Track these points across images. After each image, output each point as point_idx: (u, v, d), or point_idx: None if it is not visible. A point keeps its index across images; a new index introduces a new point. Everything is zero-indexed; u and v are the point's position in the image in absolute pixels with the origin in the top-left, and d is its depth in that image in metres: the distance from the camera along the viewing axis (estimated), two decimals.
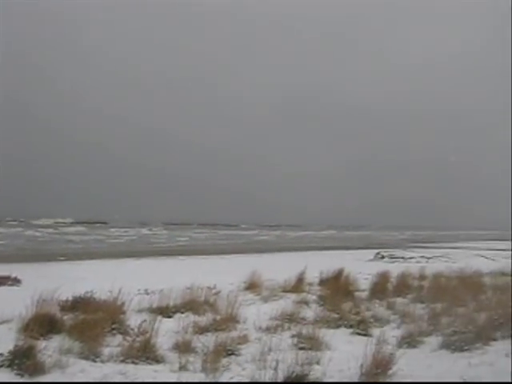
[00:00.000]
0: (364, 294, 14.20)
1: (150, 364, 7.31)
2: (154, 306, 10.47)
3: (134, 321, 9.05)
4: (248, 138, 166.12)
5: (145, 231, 72.56)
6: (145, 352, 7.48)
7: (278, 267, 18.88)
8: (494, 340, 8.44)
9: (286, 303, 11.97)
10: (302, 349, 7.95)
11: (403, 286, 15.40)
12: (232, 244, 51.66)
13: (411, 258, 33.94)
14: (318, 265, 17.13)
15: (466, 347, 8.02)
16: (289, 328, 9.52)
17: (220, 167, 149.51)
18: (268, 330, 9.47)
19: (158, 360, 7.46)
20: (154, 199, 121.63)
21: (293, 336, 8.81)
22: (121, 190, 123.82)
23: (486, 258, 37.91)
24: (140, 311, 10.19)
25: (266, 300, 12.83)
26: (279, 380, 6.08)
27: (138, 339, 7.86)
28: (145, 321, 8.53)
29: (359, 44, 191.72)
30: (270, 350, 7.74)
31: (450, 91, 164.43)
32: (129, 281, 12.02)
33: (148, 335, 7.89)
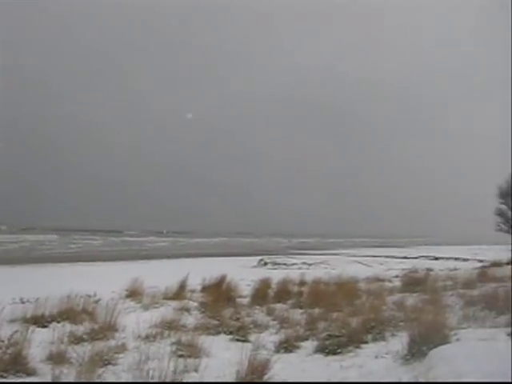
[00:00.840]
0: (245, 301, 14.36)
1: (20, 377, 6.95)
2: (29, 315, 10.00)
3: (4, 332, 8.54)
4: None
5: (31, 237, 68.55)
6: (15, 364, 7.11)
7: (163, 274, 18.70)
8: (366, 343, 8.84)
9: (167, 310, 11.87)
10: (180, 356, 7.87)
11: (284, 292, 15.73)
12: (120, 251, 50.53)
13: (293, 264, 34.79)
14: (202, 271, 17.14)
15: (338, 350, 8.33)
16: (168, 336, 9.43)
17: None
18: (147, 338, 9.33)
19: (29, 372, 7.12)
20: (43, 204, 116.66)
21: (172, 344, 8.72)
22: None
23: (363, 264, 39.67)
24: (12, 321, 9.67)
25: (146, 308, 12.62)
26: None
27: (8, 351, 7.43)
28: (17, 331, 8.08)
29: None
30: (148, 358, 7.61)
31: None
32: (2, 289, 11.40)
33: (19, 346, 7.49)
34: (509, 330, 8.57)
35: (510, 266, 40.26)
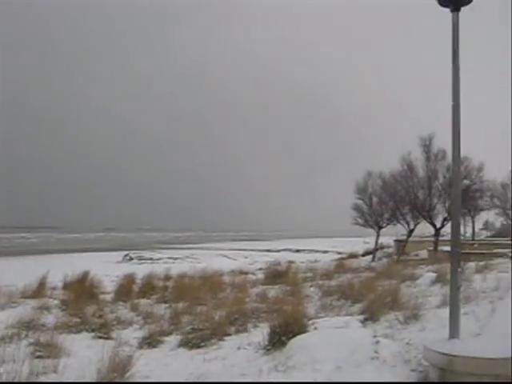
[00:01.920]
0: (109, 297, 14.09)
1: None
2: None
3: None
4: None
5: None
6: None
7: (23, 271, 17.82)
8: (229, 335, 9.01)
9: (25, 310, 11.32)
10: (39, 357, 7.54)
11: (148, 287, 15.63)
12: None
13: (159, 259, 34.66)
14: (65, 268, 16.56)
15: (202, 344, 8.42)
16: (26, 336, 8.98)
17: None
18: (2, 339, 8.82)
19: None
20: None
21: (30, 344, 8.31)
22: None
23: (229, 257, 40.32)
24: None
25: (2, 307, 11.95)
26: None
27: None
28: None
29: None
30: (3, 361, 7.21)
31: None
32: None
33: None
34: (361, 317, 9.17)
35: (365, 258, 42.85)
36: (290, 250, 60.79)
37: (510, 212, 46.12)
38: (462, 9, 5.81)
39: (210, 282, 15.67)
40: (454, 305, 5.60)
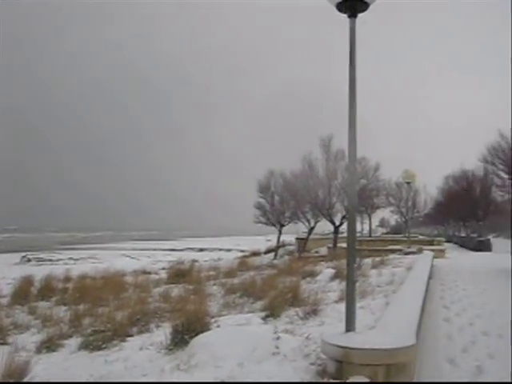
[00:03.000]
0: (5, 300, 13.52)
1: None
2: None
3: None
4: None
5: None
6: None
7: None
8: (131, 336, 8.91)
9: None
10: None
11: (47, 289, 15.12)
12: None
13: (59, 260, 33.56)
14: None
15: (103, 346, 8.27)
16: None
17: None
18: None
19: None
20: None
21: None
22: None
23: (132, 257, 39.68)
24: None
25: None
26: None
27: None
28: None
29: None
30: None
31: None
32: None
33: None
34: (263, 314, 9.35)
35: (267, 255, 43.50)
36: (193, 248, 60.72)
37: (403, 210, 48.34)
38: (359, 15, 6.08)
39: (112, 283, 15.38)
40: (349, 299, 5.85)
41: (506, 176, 25.97)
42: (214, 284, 15.72)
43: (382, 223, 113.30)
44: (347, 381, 4.92)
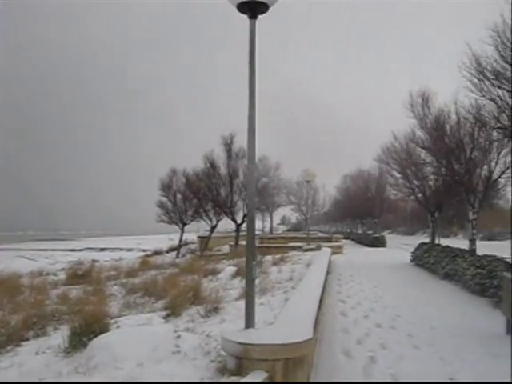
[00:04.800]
0: None
1: None
2: None
3: None
4: None
5: None
6: None
7: None
8: (27, 340, 8.58)
9: None
10: None
11: None
12: None
13: None
14: None
15: None
16: None
17: None
18: None
19: None
20: None
21: None
22: None
23: (29, 259, 38.14)
24: None
25: None
26: None
27: None
28: None
29: None
30: None
31: None
32: None
33: None
34: (164, 313, 9.32)
35: (169, 254, 43.15)
36: (94, 248, 59.16)
37: (304, 208, 49.53)
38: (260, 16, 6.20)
39: (7, 286, 14.70)
40: (249, 296, 5.97)
41: (398, 175, 27.28)
42: (115, 284, 15.42)
43: (284, 221, 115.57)
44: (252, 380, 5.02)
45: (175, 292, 11.04)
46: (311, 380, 6.39)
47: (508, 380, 6.31)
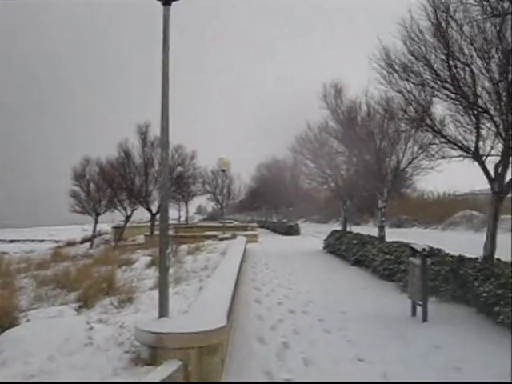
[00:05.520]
0: None
1: None
2: None
3: None
4: None
5: None
6: None
7: None
8: None
9: None
10: None
11: None
12: None
13: None
14: None
15: None
16: None
17: None
18: None
19: None
20: None
21: None
22: None
23: None
24: None
25: None
26: None
27: None
28: None
29: None
30: None
31: None
32: None
33: None
34: (76, 305, 9.14)
35: (83, 245, 42.22)
36: (3, 240, 56.85)
37: (219, 197, 49.63)
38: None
39: None
40: (162, 286, 5.98)
41: (312, 165, 27.83)
42: (25, 277, 14.90)
43: (200, 210, 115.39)
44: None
45: (88, 283, 10.84)
46: (225, 367, 6.48)
47: (508, 380, 6.17)
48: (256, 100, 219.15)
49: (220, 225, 36.32)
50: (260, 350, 7.60)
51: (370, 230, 27.15)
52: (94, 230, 44.94)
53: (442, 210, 46.30)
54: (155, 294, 8.28)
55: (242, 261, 17.71)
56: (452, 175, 18.48)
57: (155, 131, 36.37)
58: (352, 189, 24.86)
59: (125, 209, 40.58)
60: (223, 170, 32.05)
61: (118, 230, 42.11)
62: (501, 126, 10.22)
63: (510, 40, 9.59)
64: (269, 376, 6.34)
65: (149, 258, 15.99)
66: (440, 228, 44.08)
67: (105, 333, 6.57)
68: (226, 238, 26.81)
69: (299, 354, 7.27)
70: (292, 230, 44.90)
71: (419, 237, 29.98)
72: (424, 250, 9.28)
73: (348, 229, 26.30)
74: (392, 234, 21.25)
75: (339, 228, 27.50)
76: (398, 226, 47.05)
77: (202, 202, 71.69)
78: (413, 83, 11.80)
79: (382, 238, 18.64)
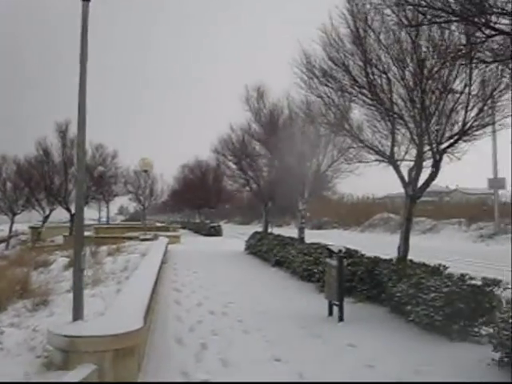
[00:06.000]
0: None
1: None
2: None
3: None
4: None
5: None
6: None
7: None
8: None
9: None
10: None
11: None
12: None
13: None
14: None
15: None
16: None
17: None
18: None
19: None
20: None
21: None
22: None
23: None
24: None
25: None
26: None
27: None
28: None
29: None
30: None
31: None
32: None
33: None
34: None
35: None
36: None
37: (142, 197, 48.92)
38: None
39: None
40: (77, 288, 5.85)
41: (234, 166, 27.94)
42: None
43: (122, 211, 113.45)
44: None
45: (1, 285, 10.45)
46: (142, 369, 6.42)
47: (508, 380, 6.14)
48: (181, 100, 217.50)
49: (142, 225, 35.86)
50: (178, 351, 7.57)
51: (291, 231, 27.56)
52: (10, 231, 43.36)
53: (361, 213, 47.70)
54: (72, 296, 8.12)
55: (163, 262, 17.58)
56: (372, 179, 19.06)
57: (75, 129, 35.50)
58: (273, 191, 25.13)
59: (43, 208, 39.40)
60: (145, 171, 31.68)
61: (36, 231, 40.79)
62: (414, 132, 10.64)
63: (423, 49, 9.99)
64: (186, 377, 6.32)
65: (67, 260, 15.58)
66: (359, 230, 45.39)
67: (16, 337, 6.37)
68: (148, 239, 26.50)
69: (217, 354, 7.29)
70: (214, 231, 44.93)
71: (339, 238, 30.81)
72: (340, 251, 9.52)
73: (270, 230, 26.55)
74: (312, 236, 21.67)
75: (261, 229, 27.73)
76: (319, 228, 48.08)
77: (124, 202, 70.61)
78: (332, 88, 12.08)
79: (301, 239, 18.95)
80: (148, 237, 27.62)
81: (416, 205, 11.41)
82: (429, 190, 11.74)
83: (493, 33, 5.54)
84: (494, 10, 5.34)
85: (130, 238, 27.75)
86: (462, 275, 8.48)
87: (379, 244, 22.39)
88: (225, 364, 6.87)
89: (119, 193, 49.41)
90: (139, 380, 5.96)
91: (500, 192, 34.81)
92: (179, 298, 12.19)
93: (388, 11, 8.94)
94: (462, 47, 7.61)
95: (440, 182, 42.88)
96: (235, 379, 6.27)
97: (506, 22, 5.40)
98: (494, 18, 5.52)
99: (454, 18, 5.98)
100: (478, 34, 6.08)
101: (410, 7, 7.43)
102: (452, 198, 56.67)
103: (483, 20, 5.46)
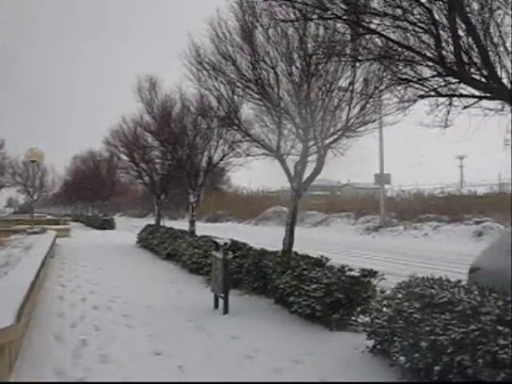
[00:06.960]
0: None
1: None
2: None
3: None
4: None
5: None
6: None
7: None
8: None
9: None
10: None
11: None
12: None
13: None
14: None
15: None
16: None
17: None
18: None
19: None
20: None
21: None
22: None
23: None
24: None
25: None
26: None
27: None
28: None
29: None
30: None
31: None
32: None
33: None
34: None
35: None
36: None
37: (31, 189, 46.83)
38: None
39: None
40: None
41: (126, 158, 27.44)
42: None
43: (11, 203, 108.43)
44: None
45: None
46: (16, 367, 6.17)
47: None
48: (71, 91, 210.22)
49: (30, 218, 34.41)
50: (56, 348, 7.34)
51: (185, 224, 27.48)
52: None
53: (255, 206, 48.38)
54: None
55: (51, 256, 17.01)
56: (266, 173, 19.37)
57: None
58: (166, 183, 24.96)
59: None
60: (33, 161, 30.45)
61: None
62: (300, 127, 10.88)
63: (309, 46, 10.21)
64: (61, 376, 6.13)
65: None
66: (253, 223, 46.02)
67: None
68: (35, 233, 25.53)
69: (97, 350, 7.13)
70: (107, 225, 43.99)
71: (233, 231, 31.15)
72: (226, 244, 9.61)
73: (162, 223, 26.36)
74: (206, 229, 21.73)
75: (154, 222, 27.46)
76: (214, 221, 48.30)
77: (12, 194, 67.56)
78: (221, 82, 12.12)
79: (192, 232, 18.93)
80: (36, 230, 26.63)
81: (308, 199, 11.70)
82: (321, 184, 12.12)
83: (362, 31, 5.79)
84: (367, 10, 5.57)
85: (17, 232, 26.64)
86: (342, 266, 8.79)
87: (271, 236, 22.77)
88: (104, 360, 6.73)
89: (6, 184, 47.14)
90: (11, 380, 5.73)
91: (386, 186, 36.51)
92: (64, 293, 11.83)
93: (274, 3, 8.95)
94: (333, 44, 7.84)
95: (332, 177, 44.32)
96: (114, 375, 6.15)
97: (377, 21, 5.65)
98: (366, 19, 5.76)
99: (325, 16, 6.17)
100: (350, 32, 6.36)
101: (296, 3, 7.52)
102: (343, 192, 58.63)
103: (355, 18, 5.69)
